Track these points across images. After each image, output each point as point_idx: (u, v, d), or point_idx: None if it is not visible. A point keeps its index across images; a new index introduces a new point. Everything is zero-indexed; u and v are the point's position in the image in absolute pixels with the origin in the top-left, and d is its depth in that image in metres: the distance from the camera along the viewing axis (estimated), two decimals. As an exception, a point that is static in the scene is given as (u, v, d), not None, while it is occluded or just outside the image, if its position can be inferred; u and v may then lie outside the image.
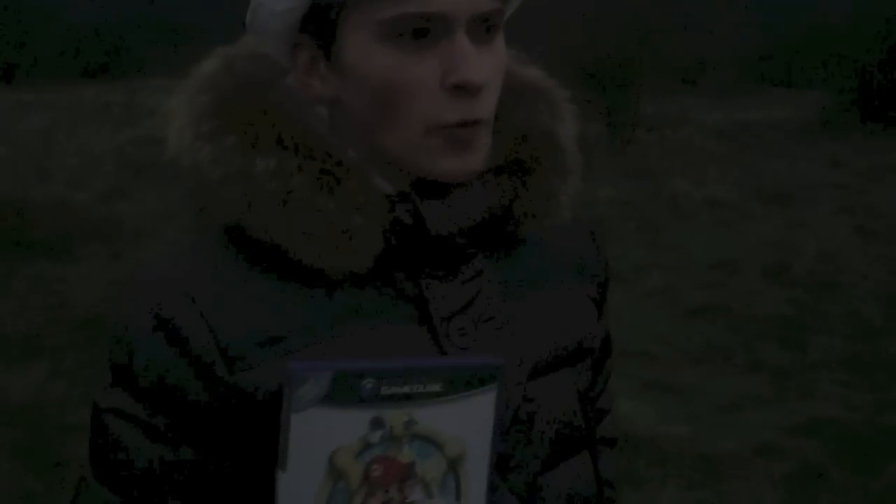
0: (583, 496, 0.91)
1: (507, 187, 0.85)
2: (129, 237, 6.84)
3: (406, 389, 0.71)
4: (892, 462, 3.50)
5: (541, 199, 0.86)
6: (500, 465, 0.81)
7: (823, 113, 12.21)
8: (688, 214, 8.09)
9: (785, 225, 7.65)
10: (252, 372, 0.76)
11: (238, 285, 0.78)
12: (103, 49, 15.42)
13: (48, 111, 13.94)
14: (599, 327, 0.99)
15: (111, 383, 0.80)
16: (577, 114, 0.93)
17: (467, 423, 0.74)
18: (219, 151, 0.78)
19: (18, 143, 10.86)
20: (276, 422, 0.70)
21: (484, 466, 0.76)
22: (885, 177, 9.57)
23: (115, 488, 0.78)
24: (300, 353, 0.76)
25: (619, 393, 1.15)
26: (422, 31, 0.74)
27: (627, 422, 3.29)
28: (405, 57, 0.74)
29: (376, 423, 0.71)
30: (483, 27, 0.76)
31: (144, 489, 0.78)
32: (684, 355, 4.84)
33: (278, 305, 0.78)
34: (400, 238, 0.79)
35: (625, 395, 3.61)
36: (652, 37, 11.42)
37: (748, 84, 15.78)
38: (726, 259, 6.60)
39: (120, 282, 5.88)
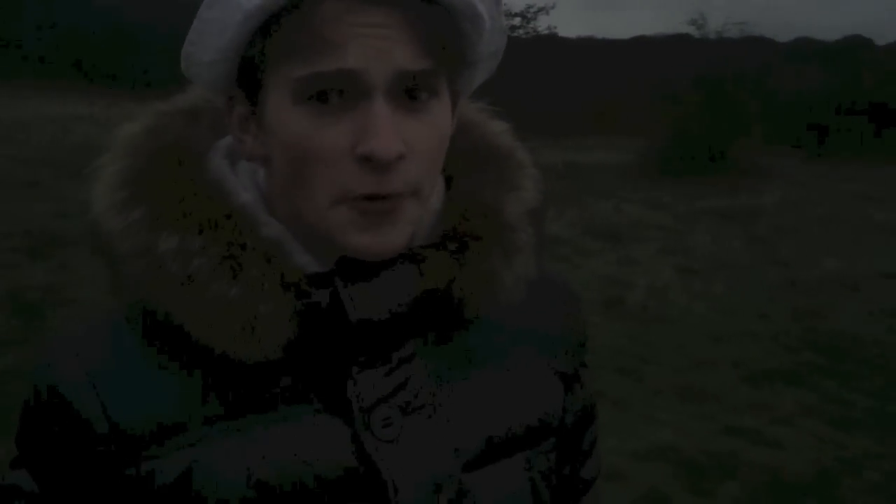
0: None
1: (444, 267, 0.77)
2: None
3: None
4: (724, 482, 3.85)
5: (480, 281, 0.79)
6: None
7: (646, 158, 13.14)
8: (528, 249, 8.46)
9: (617, 262, 8.16)
10: (148, 462, 0.73)
11: (142, 369, 0.75)
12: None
13: None
14: (572, 400, 0.91)
15: (16, 457, 0.79)
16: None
17: None
18: (126, 224, 0.73)
19: None
20: None
21: None
22: (700, 220, 10.39)
23: None
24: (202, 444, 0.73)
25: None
26: (337, 93, 0.68)
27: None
28: (318, 121, 0.68)
29: None
30: (408, 92, 0.70)
31: None
32: (534, 385, 5.06)
33: (182, 392, 0.74)
34: (317, 324, 0.74)
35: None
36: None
37: (580, 127, 16.72)
38: (566, 293, 6.97)
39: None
